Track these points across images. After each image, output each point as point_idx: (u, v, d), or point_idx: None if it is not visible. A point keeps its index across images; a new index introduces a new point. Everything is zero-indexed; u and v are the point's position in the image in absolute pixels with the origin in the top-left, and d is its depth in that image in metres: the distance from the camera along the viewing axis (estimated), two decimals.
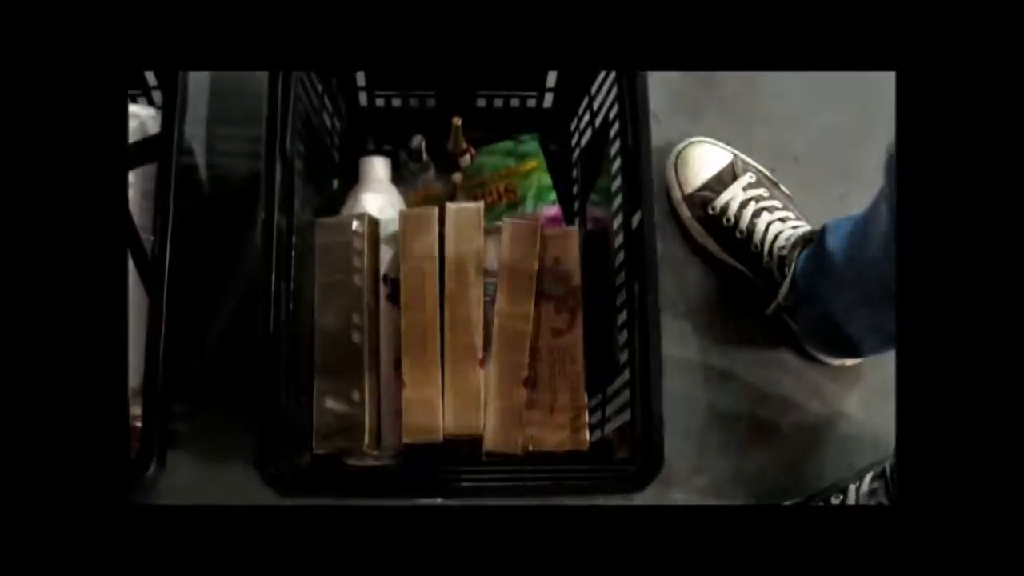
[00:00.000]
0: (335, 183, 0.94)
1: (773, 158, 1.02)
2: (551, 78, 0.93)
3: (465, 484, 0.72)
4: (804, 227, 0.94)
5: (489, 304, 0.82)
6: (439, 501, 0.72)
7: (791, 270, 0.91)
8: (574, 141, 0.96)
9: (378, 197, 0.88)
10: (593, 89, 0.87)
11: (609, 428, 0.78)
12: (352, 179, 0.92)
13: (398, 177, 0.94)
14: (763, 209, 0.95)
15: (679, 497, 0.92)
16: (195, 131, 0.92)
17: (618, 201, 0.78)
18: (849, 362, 0.98)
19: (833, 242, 0.87)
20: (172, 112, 0.77)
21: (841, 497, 0.87)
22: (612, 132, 0.80)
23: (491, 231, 0.83)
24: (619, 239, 0.78)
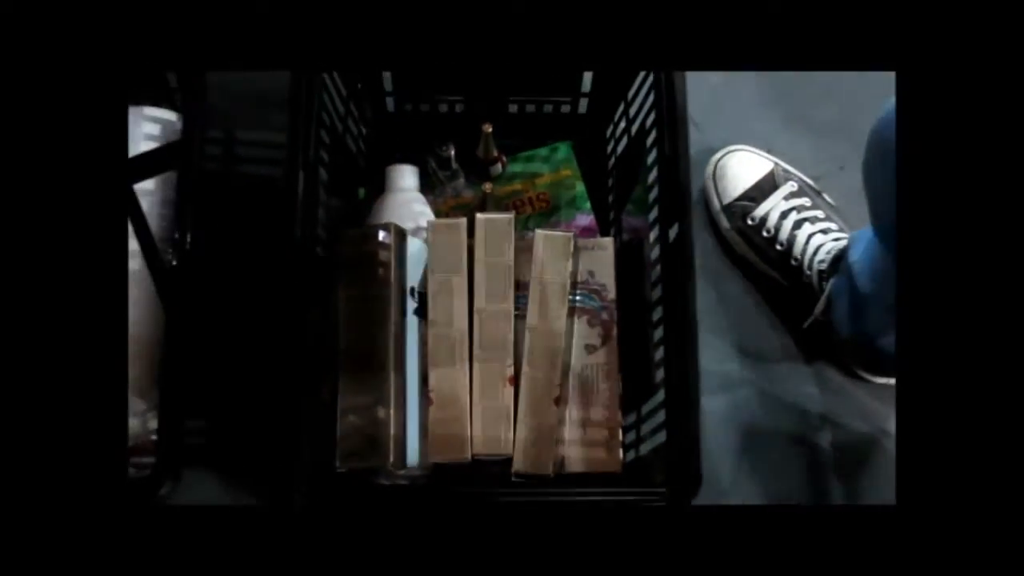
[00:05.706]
0: (361, 192, 0.92)
1: (817, 166, 0.99)
2: (586, 82, 0.90)
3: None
4: (847, 239, 0.91)
5: (520, 318, 0.80)
6: None
7: (828, 284, 0.88)
8: (610, 148, 0.94)
9: (405, 207, 0.86)
10: (630, 94, 0.85)
11: (645, 448, 0.76)
12: (378, 188, 0.90)
13: (426, 186, 0.92)
14: (804, 220, 0.93)
15: None
16: (217, 137, 0.91)
17: (655, 211, 0.76)
18: (893, 380, 0.95)
19: (855, 253, 0.84)
20: (193, 117, 0.75)
21: None
22: (649, 139, 0.78)
23: (523, 242, 0.81)
24: (656, 251, 0.76)
